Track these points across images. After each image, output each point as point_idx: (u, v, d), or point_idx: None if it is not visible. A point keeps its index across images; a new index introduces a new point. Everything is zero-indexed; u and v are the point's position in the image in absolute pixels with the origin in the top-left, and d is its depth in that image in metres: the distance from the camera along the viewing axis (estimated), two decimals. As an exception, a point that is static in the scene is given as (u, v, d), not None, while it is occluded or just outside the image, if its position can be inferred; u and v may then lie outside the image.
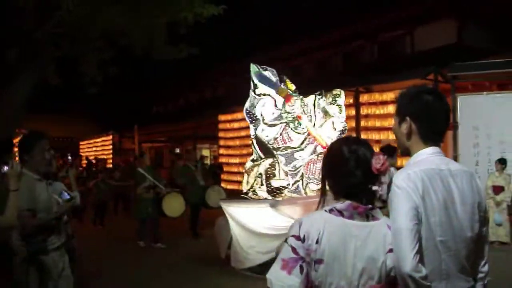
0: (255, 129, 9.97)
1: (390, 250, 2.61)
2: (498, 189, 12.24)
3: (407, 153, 2.96)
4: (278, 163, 9.78)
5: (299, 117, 9.87)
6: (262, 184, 9.78)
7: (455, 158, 14.46)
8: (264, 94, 9.97)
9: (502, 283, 8.23)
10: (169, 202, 13.11)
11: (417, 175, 2.71)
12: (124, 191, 19.14)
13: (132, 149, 33.43)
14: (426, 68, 15.09)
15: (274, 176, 9.74)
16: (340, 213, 2.65)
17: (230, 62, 27.44)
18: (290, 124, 9.88)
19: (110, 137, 38.98)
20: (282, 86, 10.00)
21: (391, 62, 18.69)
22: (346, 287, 2.57)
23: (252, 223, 9.34)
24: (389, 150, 9.06)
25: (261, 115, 9.93)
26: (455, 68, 14.86)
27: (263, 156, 9.89)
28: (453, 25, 18.23)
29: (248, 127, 23.20)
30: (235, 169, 24.28)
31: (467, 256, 2.78)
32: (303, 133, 9.88)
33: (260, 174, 9.74)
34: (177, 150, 32.63)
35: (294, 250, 2.58)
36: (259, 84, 10.02)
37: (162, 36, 11.50)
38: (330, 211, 2.67)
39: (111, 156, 37.49)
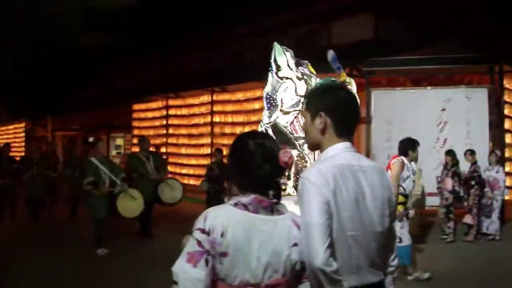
0: (270, 116, 9.05)
1: (295, 244, 2.63)
2: (410, 184, 12.19)
3: (317, 148, 2.98)
4: (307, 154, 8.93)
5: None
6: (289, 178, 8.78)
7: (368, 152, 14.75)
8: (287, 78, 9.12)
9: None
10: (125, 201, 11.43)
11: (328, 170, 2.71)
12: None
13: (44, 136, 33.02)
14: (342, 62, 15.07)
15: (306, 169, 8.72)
16: (245, 207, 2.65)
17: (145, 52, 26.95)
18: None
19: (23, 124, 38.48)
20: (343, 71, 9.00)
21: (309, 56, 18.55)
22: (251, 280, 2.59)
23: None
24: (410, 143, 9.05)
25: (281, 101, 9.13)
26: (370, 63, 15.03)
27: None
28: (370, 20, 18.41)
29: (162, 117, 23.36)
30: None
31: (377, 250, 2.81)
32: None
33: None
34: (91, 139, 31.90)
35: (199, 243, 2.58)
36: (283, 66, 9.13)
37: (77, 24, 10.95)
38: (235, 204, 2.66)
39: (23, 144, 37.17)
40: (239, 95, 19.33)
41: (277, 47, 8.96)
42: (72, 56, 23.55)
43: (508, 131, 15.55)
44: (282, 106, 8.77)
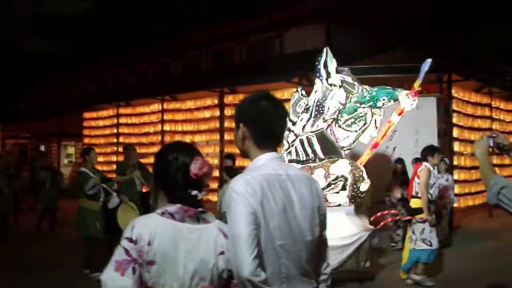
0: (312, 125, 8.63)
1: (222, 253, 2.72)
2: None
3: (248, 156, 2.97)
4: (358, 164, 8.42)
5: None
6: (343, 189, 8.17)
7: (319, 160, 14.54)
8: (334, 85, 8.80)
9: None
10: (127, 213, 10.00)
11: (255, 180, 2.72)
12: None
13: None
14: (292, 71, 15.11)
15: (363, 179, 8.24)
16: (172, 216, 2.72)
17: (96, 60, 26.56)
18: (339, 120, 8.71)
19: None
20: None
21: (261, 64, 18.62)
22: None
23: None
24: (428, 150, 9.31)
25: (328, 108, 8.70)
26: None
27: (322, 157, 8.49)
28: (322, 29, 18.35)
29: (113, 125, 23.00)
30: (99, 168, 23.06)
31: (308, 259, 2.84)
32: (355, 131, 8.81)
33: (343, 177, 8.09)
34: (42, 148, 31.34)
35: (127, 252, 2.62)
36: (332, 73, 8.77)
37: (26, 31, 10.59)
38: (162, 214, 2.72)
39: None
40: (190, 104, 19.15)
41: (329, 52, 8.75)
42: (22, 63, 23.15)
43: (456, 139, 15.75)
44: (326, 114, 8.68)
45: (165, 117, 20.29)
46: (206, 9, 21.54)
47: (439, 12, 18.74)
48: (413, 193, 9.30)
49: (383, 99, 8.53)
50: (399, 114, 8.69)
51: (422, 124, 14.31)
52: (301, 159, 8.64)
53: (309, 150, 8.62)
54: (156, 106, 20.70)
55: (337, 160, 8.24)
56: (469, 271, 9.76)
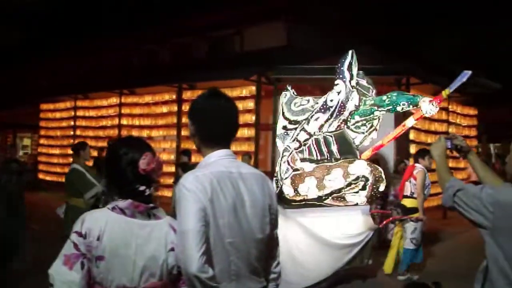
0: (330, 125, 8.49)
1: (172, 249, 2.72)
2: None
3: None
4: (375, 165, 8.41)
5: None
6: (363, 189, 8.06)
7: (273, 159, 14.65)
8: (355, 87, 8.67)
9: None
10: None
11: (206, 177, 2.72)
12: None
13: None
14: (251, 68, 15.08)
15: (383, 179, 8.13)
16: (122, 211, 2.71)
17: (54, 51, 26.11)
18: (349, 121, 8.70)
19: None
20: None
21: (220, 60, 18.51)
22: (127, 284, 2.63)
23: (325, 233, 7.96)
24: (419, 152, 9.98)
25: (347, 110, 8.60)
26: (279, 70, 14.97)
27: (338, 157, 8.36)
28: (283, 27, 18.30)
29: (70, 118, 22.67)
30: (55, 160, 23.68)
31: (257, 257, 2.85)
32: (362, 133, 8.87)
33: (364, 177, 7.97)
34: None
35: (76, 246, 2.60)
36: (355, 76, 8.59)
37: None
38: (113, 209, 2.71)
39: None
40: (148, 98, 19.00)
41: (354, 55, 8.71)
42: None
43: (413, 141, 15.84)
44: (344, 115, 8.62)
45: (122, 111, 20.10)
46: (167, 3, 21.26)
47: (399, 15, 18.86)
48: (408, 194, 9.62)
49: (403, 104, 8.54)
50: (417, 119, 8.80)
51: (379, 126, 14.35)
52: (315, 158, 8.49)
53: (324, 150, 8.47)
54: (114, 100, 20.49)
55: (354, 160, 8.19)
56: (421, 273, 9.82)
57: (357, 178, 7.89)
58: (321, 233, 7.87)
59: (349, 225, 7.96)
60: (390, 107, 8.56)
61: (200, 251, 2.55)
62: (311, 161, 8.34)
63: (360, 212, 8.07)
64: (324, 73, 14.64)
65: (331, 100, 8.50)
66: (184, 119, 16.71)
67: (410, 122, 8.80)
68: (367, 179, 7.94)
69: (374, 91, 9.15)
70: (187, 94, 17.07)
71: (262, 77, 15.36)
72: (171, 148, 17.87)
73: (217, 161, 2.85)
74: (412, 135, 15.75)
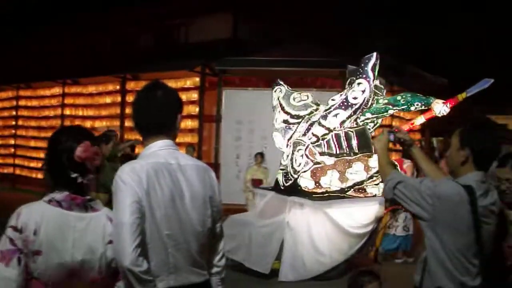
0: (352, 121, 9.06)
1: (110, 242, 2.65)
2: (257, 182, 12.31)
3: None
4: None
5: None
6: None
7: (217, 150, 14.74)
8: (376, 87, 9.26)
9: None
10: None
11: (142, 168, 2.70)
12: None
13: None
14: (196, 60, 15.06)
15: None
16: (59, 203, 2.64)
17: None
18: (358, 118, 9.21)
19: None
20: None
21: (166, 51, 18.39)
22: (65, 279, 2.56)
23: (344, 222, 8.52)
24: None
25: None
26: (223, 62, 15.00)
27: (356, 151, 8.92)
28: (229, 19, 18.27)
29: (12, 108, 22.20)
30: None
31: (198, 250, 2.83)
32: (369, 129, 9.44)
33: None
34: None
35: (12, 241, 2.53)
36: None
37: None
38: (49, 201, 2.64)
39: None
40: (91, 89, 18.71)
41: (378, 57, 8.94)
42: None
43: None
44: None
45: (66, 101, 19.74)
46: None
47: (342, 9, 19.01)
48: None
49: (417, 104, 9.20)
50: (427, 119, 9.36)
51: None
52: (335, 152, 8.91)
53: (344, 144, 8.93)
54: (57, 90, 20.11)
55: (372, 155, 8.74)
56: (413, 256, 10.12)
57: (378, 171, 8.27)
58: (342, 222, 8.42)
59: (362, 215, 8.61)
60: (405, 106, 9.28)
61: (134, 244, 2.52)
62: (330, 155, 8.86)
63: (377, 202, 8.68)
64: (268, 65, 14.75)
65: (355, 98, 8.90)
66: (128, 110, 16.57)
67: (419, 120, 9.44)
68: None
69: (385, 91, 9.85)
70: (131, 85, 16.84)
71: (207, 69, 15.32)
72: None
73: (156, 152, 2.84)
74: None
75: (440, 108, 8.98)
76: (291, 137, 9.51)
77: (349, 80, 9.63)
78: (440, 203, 3.04)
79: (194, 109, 15.37)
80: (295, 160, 8.99)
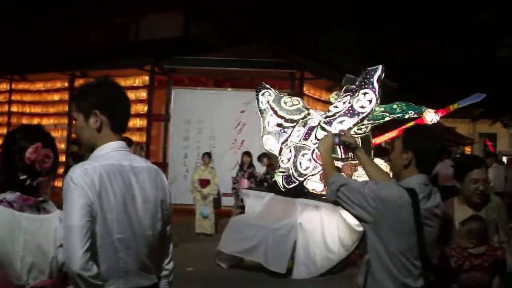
0: (358, 128, 9.42)
1: (62, 245, 2.56)
2: (204, 183, 12.29)
3: (93, 149, 2.82)
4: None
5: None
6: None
7: (165, 150, 14.69)
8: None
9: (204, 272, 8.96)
10: None
11: (94, 171, 2.60)
12: None
13: None
14: (146, 58, 14.99)
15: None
16: (10, 204, 2.56)
17: None
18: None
19: None
20: None
21: (116, 48, 18.22)
22: (15, 281, 2.48)
23: (351, 221, 8.74)
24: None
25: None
26: (173, 61, 14.96)
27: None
28: (181, 18, 18.22)
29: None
30: None
31: (148, 254, 2.76)
32: (359, 135, 9.59)
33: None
34: None
35: None
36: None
37: None
38: (0, 202, 2.55)
39: None
40: (39, 85, 18.45)
41: (383, 70, 9.24)
42: None
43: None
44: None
45: (13, 98, 19.41)
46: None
47: (295, 11, 19.11)
48: None
49: (411, 113, 9.73)
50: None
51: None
52: (340, 157, 9.19)
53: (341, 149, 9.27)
54: (4, 86, 19.78)
55: (373, 159, 8.73)
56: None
57: None
58: (350, 221, 8.73)
59: None
60: (400, 114, 9.73)
61: (83, 248, 2.45)
62: (336, 159, 8.95)
63: None
64: (218, 64, 14.77)
65: (362, 107, 9.20)
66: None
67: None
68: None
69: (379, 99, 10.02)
70: (80, 82, 16.53)
71: (156, 67, 15.24)
72: (61, 137, 17.25)
73: (108, 154, 2.74)
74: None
75: (431, 116, 9.56)
76: (285, 140, 9.79)
77: (344, 87, 9.99)
78: (383, 206, 3.06)
79: (143, 108, 15.30)
80: (300, 164, 9.34)
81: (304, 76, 15.72)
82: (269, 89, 10.29)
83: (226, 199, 13.72)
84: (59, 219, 2.65)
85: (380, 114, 9.80)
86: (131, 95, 15.13)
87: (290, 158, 9.52)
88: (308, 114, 9.82)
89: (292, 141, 9.68)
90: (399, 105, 9.90)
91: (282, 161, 9.69)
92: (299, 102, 10.13)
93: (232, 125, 14.37)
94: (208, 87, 15.53)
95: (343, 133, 3.73)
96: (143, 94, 15.39)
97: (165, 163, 14.64)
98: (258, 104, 10.24)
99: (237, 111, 14.54)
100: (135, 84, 15.45)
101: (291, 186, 9.41)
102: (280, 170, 9.69)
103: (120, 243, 2.63)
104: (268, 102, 10.10)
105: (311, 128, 9.57)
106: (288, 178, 9.44)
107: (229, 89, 15.28)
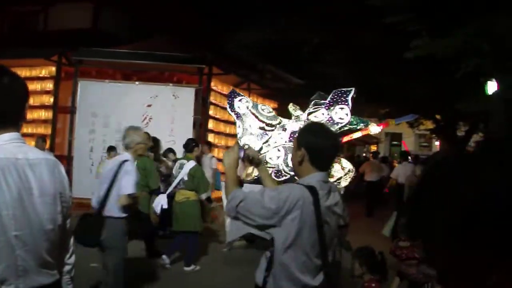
0: None
1: None
2: (105, 177, 12.17)
3: None
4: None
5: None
6: (350, 178, 9.87)
7: (70, 143, 14.58)
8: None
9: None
10: None
11: None
12: None
13: None
14: (53, 49, 14.76)
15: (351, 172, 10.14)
16: None
17: None
18: None
19: None
20: None
21: (22, 38, 17.79)
22: None
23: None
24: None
25: None
26: (80, 52, 14.80)
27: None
28: (89, 9, 18.06)
29: None
30: None
31: (48, 249, 2.64)
32: None
33: (350, 170, 9.78)
34: None
35: None
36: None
37: None
38: None
39: None
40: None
41: (355, 91, 9.94)
42: None
43: (211, 131, 16.18)
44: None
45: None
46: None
47: (206, 8, 19.24)
48: None
49: (361, 125, 10.36)
50: (363, 135, 11.20)
51: (179, 114, 14.67)
52: None
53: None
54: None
55: (340, 158, 9.58)
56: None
57: (349, 170, 9.41)
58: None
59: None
60: (356, 126, 10.35)
61: None
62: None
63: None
64: (126, 57, 14.73)
65: (341, 118, 9.46)
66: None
67: (356, 135, 11.37)
68: (352, 171, 9.54)
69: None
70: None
71: (64, 58, 15.03)
72: None
73: (1, 146, 2.56)
74: (211, 124, 16.02)
75: (375, 129, 10.98)
76: (267, 141, 10.42)
77: (314, 101, 10.66)
78: (284, 207, 3.12)
79: (49, 99, 15.06)
80: (290, 161, 10.21)
81: (212, 71, 15.88)
82: (244, 96, 10.71)
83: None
84: None
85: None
86: (37, 86, 14.90)
87: (279, 156, 10.19)
88: (280, 121, 10.56)
89: (275, 142, 10.36)
90: (355, 119, 10.94)
91: (270, 158, 10.28)
92: (272, 110, 10.81)
93: (138, 119, 14.21)
94: (115, 80, 15.44)
95: (247, 147, 3.82)
96: (50, 85, 15.11)
97: (70, 156, 14.53)
98: (233, 108, 10.57)
99: (144, 105, 14.53)
100: (41, 75, 15.17)
101: (282, 179, 10.07)
102: (268, 166, 10.25)
103: (18, 240, 2.51)
104: (247, 108, 10.61)
105: (294, 132, 10.10)
106: (278, 172, 10.11)
107: (137, 83, 15.16)
